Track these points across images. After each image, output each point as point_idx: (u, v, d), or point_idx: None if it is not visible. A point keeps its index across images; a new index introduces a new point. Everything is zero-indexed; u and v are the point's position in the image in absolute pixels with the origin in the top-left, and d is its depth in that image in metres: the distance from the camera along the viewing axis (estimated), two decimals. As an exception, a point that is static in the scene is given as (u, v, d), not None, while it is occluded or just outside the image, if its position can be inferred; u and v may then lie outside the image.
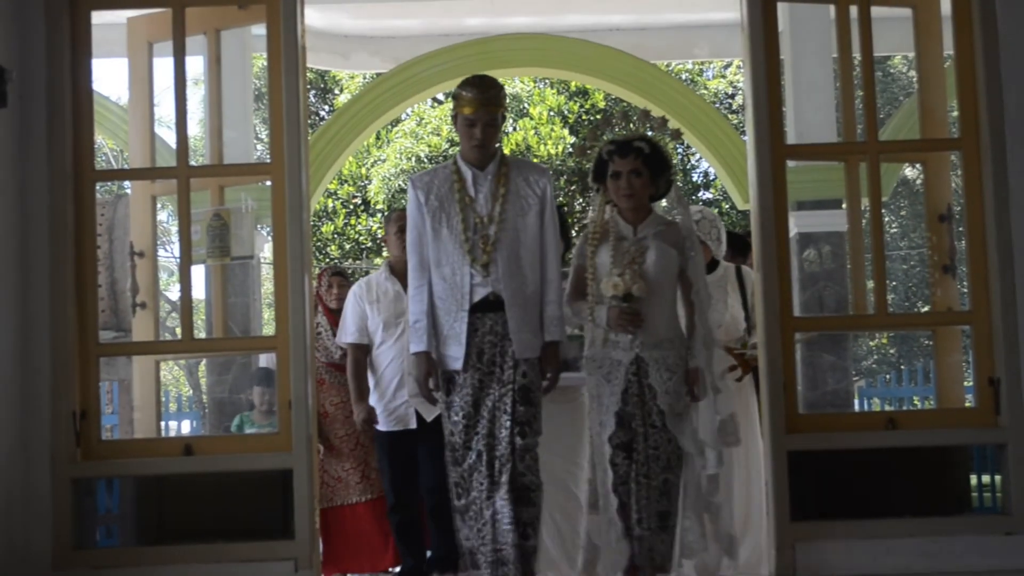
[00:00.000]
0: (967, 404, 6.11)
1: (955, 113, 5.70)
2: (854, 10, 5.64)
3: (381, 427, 6.33)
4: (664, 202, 5.34)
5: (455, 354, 4.98)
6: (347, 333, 6.45)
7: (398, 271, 6.27)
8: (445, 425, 5.07)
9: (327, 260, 19.74)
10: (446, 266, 5.02)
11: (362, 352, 6.41)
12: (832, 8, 5.86)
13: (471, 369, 4.96)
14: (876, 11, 5.59)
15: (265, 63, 5.62)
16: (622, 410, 4.98)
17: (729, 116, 19.18)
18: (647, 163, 5.10)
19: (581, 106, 18.95)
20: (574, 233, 6.43)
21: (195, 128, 16.69)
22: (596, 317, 5.06)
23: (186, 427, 14.00)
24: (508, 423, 4.88)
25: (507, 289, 4.98)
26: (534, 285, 5.04)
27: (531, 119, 18.35)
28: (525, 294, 5.01)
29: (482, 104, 5.01)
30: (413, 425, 6.16)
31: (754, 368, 6.03)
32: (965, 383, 6.49)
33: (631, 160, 5.08)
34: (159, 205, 7.21)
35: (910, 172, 21.28)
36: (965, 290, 6.15)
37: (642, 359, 5.00)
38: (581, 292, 5.13)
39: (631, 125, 5.23)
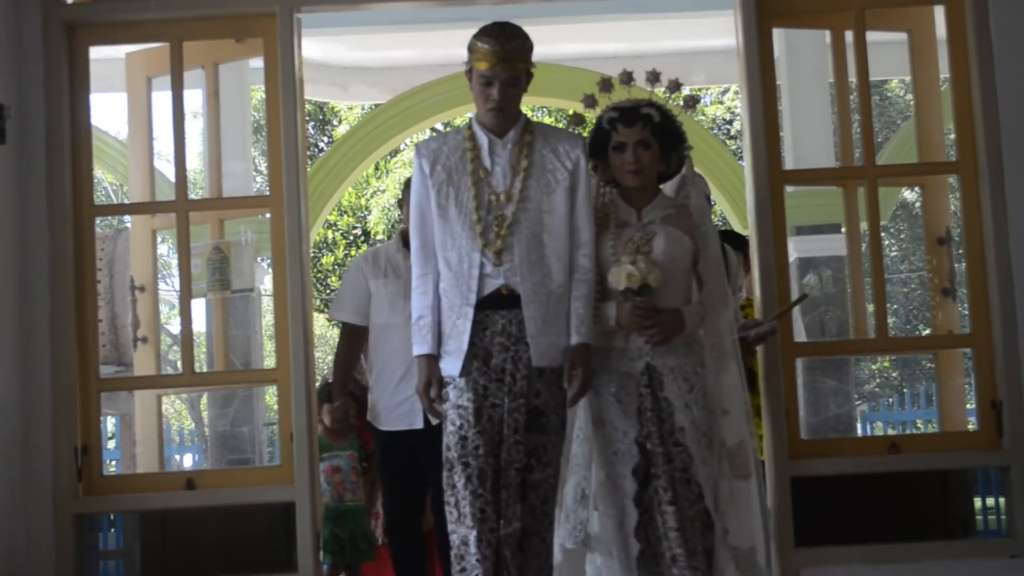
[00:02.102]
0: (970, 427, 6.09)
1: (952, 136, 5.72)
2: (850, 35, 5.65)
3: (382, 426, 5.41)
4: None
5: (454, 356, 4.15)
6: (342, 308, 5.56)
7: None
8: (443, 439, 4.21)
9: (328, 291, 19.76)
10: (452, 251, 4.18)
11: (356, 335, 5.55)
12: (828, 33, 5.87)
13: (474, 372, 4.12)
14: (872, 36, 5.59)
15: (263, 96, 5.63)
16: (639, 433, 4.20)
17: (727, 142, 19.25)
18: (657, 133, 4.32)
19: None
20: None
21: (194, 161, 16.72)
22: (603, 317, 4.27)
23: (188, 461, 13.99)
24: (520, 448, 4.05)
25: (525, 282, 4.12)
26: (561, 278, 4.17)
27: (529, 148, 18.43)
28: (548, 289, 4.15)
29: (501, 58, 4.17)
30: (419, 424, 5.14)
31: None
32: (968, 406, 6.48)
33: (638, 129, 4.29)
34: (159, 239, 7.22)
35: (909, 195, 21.31)
36: (966, 312, 6.15)
37: (654, 368, 4.22)
38: None
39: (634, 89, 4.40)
